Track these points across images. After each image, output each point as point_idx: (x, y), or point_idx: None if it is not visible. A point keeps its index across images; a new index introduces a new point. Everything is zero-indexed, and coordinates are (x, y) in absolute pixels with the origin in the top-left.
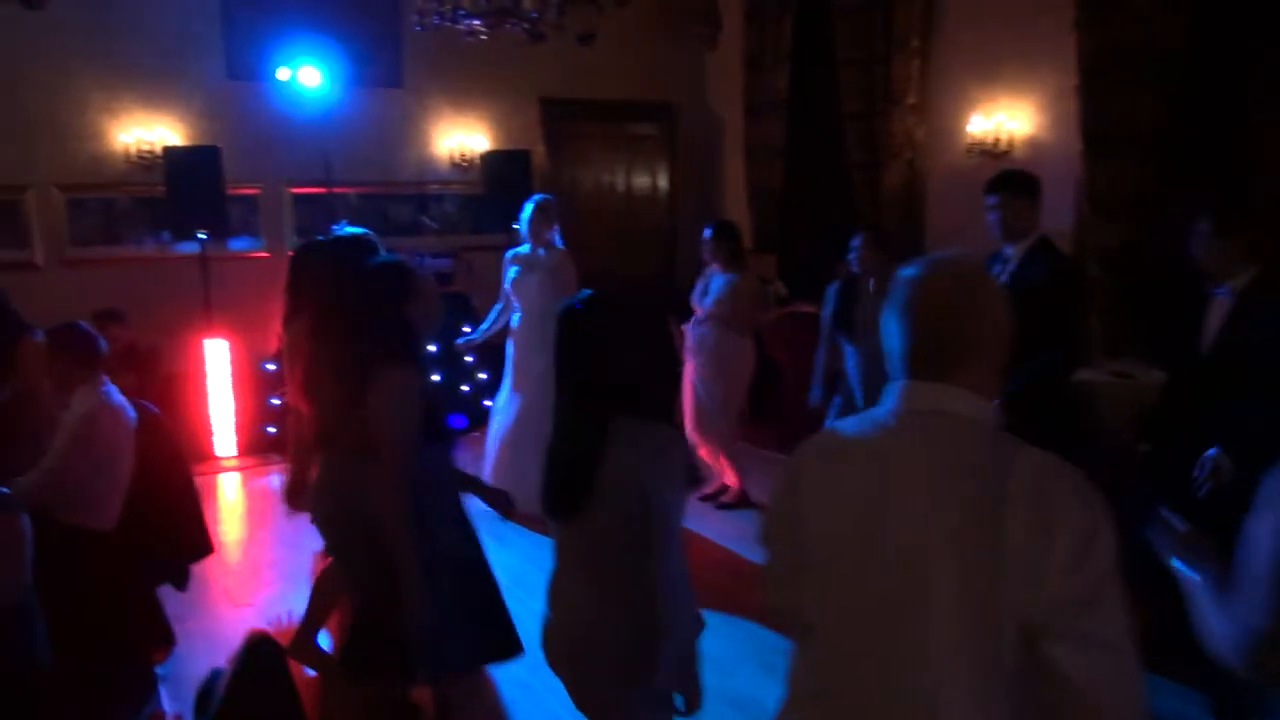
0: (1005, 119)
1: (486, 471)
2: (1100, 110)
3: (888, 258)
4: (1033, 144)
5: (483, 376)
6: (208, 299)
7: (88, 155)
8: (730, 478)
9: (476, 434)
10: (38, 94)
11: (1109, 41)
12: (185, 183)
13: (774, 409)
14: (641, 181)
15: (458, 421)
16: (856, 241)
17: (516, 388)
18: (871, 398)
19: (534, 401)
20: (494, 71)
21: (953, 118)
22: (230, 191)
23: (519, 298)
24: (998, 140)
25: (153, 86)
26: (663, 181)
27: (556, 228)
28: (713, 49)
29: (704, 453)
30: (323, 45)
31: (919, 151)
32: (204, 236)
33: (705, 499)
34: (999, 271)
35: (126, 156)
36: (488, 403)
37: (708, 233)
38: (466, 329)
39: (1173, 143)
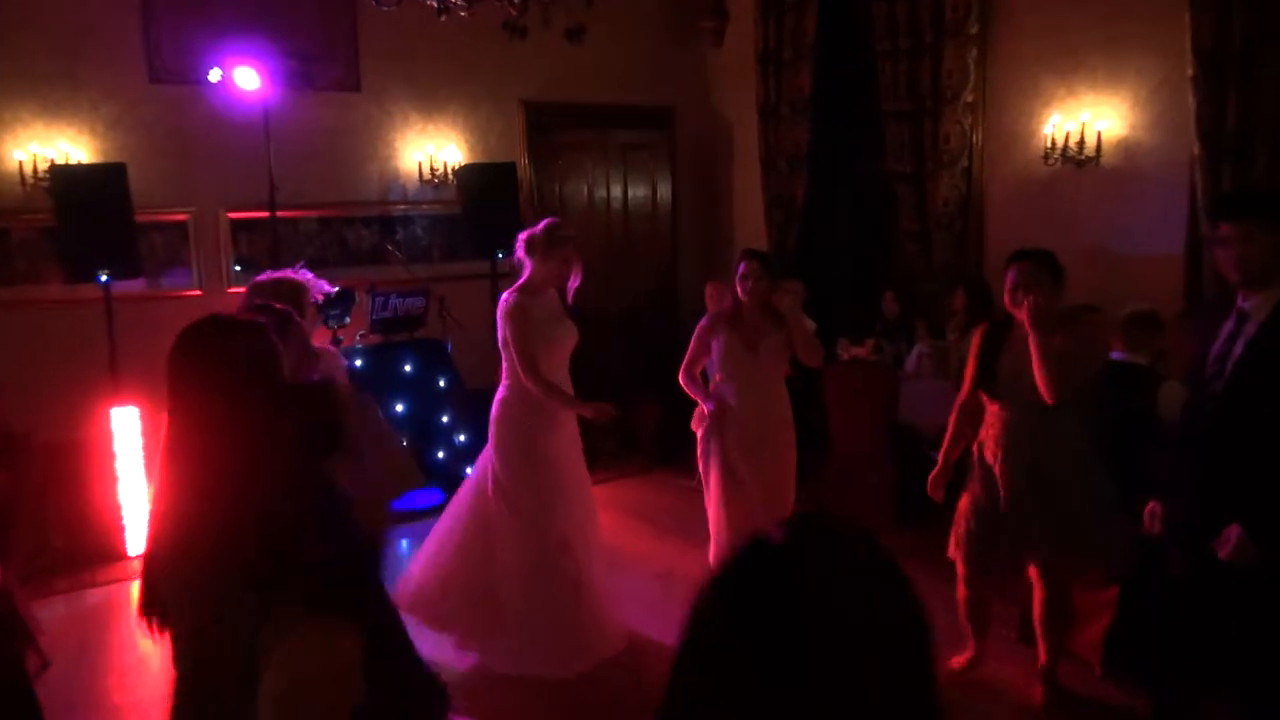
0: (1090, 117)
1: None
2: (1224, 105)
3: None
4: (1126, 148)
5: (461, 439)
6: (113, 354)
7: None
8: None
9: None
10: None
11: (1236, 19)
12: (81, 210)
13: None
14: (639, 195)
15: (429, 496)
16: (1026, 263)
17: None
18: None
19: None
20: (469, 72)
21: (1021, 117)
22: (151, 218)
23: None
24: (1082, 143)
25: (55, 93)
26: (663, 194)
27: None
28: (719, 44)
29: None
30: (264, 41)
31: (978, 158)
32: (104, 278)
33: None
34: (1231, 334)
35: (22, 177)
36: (469, 471)
37: (743, 266)
38: (442, 383)
39: None
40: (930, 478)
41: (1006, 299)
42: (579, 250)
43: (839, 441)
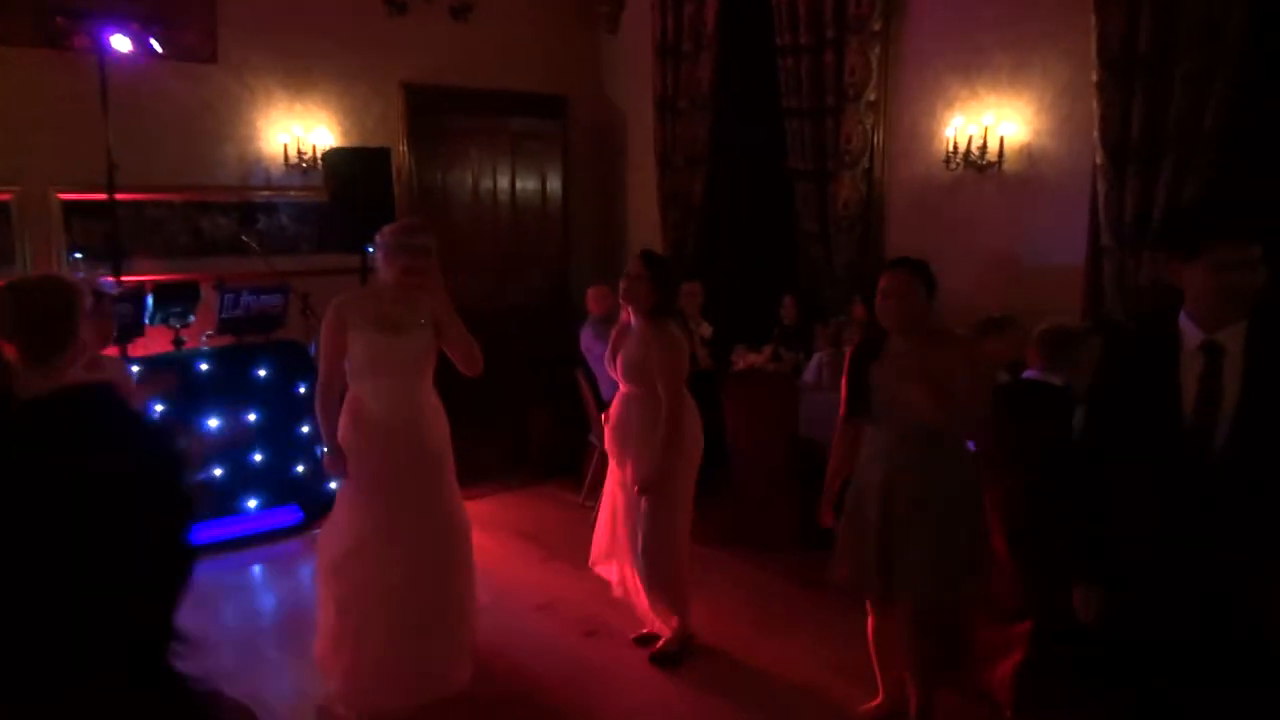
0: (993, 120)
1: None
2: (1129, 112)
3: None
4: (1029, 154)
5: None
6: None
7: None
8: (669, 620)
9: (317, 531)
10: None
11: (1144, 22)
12: None
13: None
14: (529, 187)
15: (286, 515)
16: (898, 272)
17: None
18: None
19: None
20: (344, 48)
21: (923, 119)
22: None
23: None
24: (984, 147)
25: None
26: (554, 187)
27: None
28: (614, 31)
29: (640, 593)
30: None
31: (879, 159)
32: None
33: (639, 641)
34: (1208, 372)
35: None
36: (332, 485)
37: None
38: (303, 389)
39: (1232, 149)
40: (822, 502)
41: (876, 309)
42: (428, 264)
43: (737, 455)
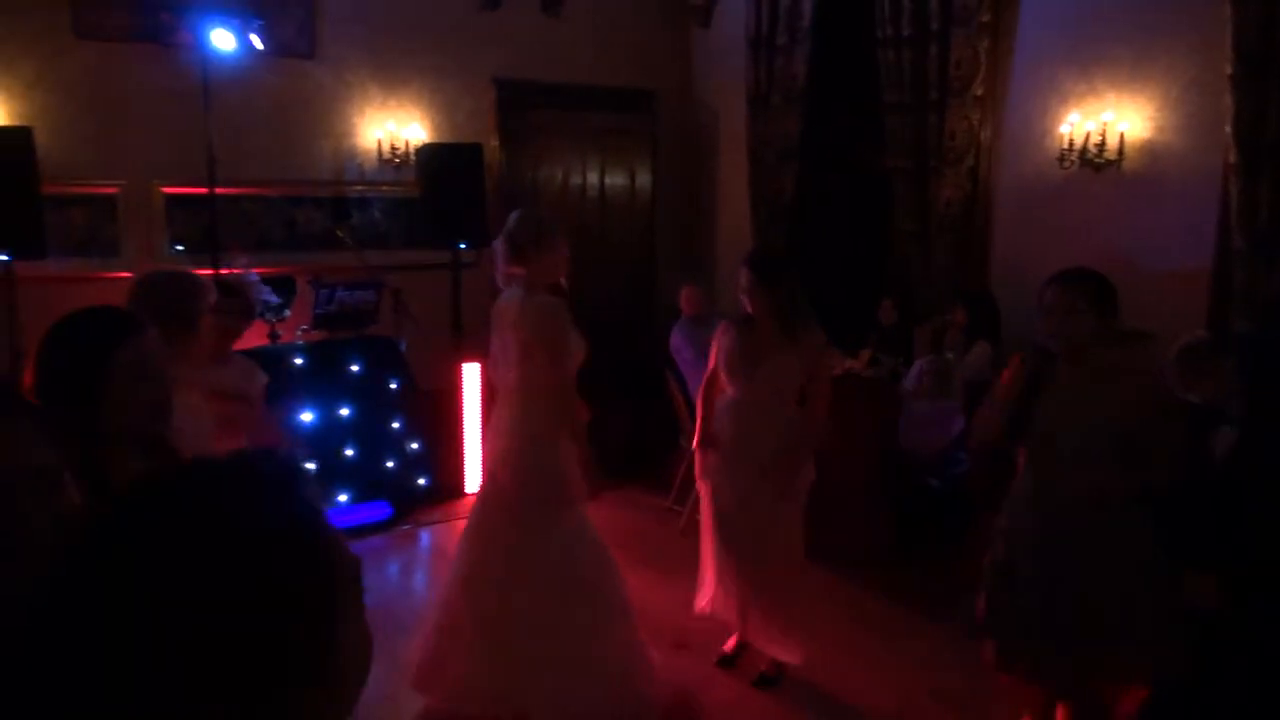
0: (1113, 117)
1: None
2: (1265, 107)
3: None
4: (1151, 151)
5: (414, 447)
6: (13, 341)
7: None
8: (788, 647)
9: (407, 526)
10: None
11: None
12: None
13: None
14: (617, 183)
15: (376, 510)
16: (1056, 286)
17: None
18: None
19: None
20: (437, 44)
21: (1035, 114)
22: (73, 190)
23: None
24: (1103, 144)
25: None
26: (642, 184)
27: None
28: (706, 25)
29: (751, 611)
30: None
31: (985, 157)
32: (4, 258)
33: (723, 663)
34: None
35: None
36: (421, 481)
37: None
38: (393, 385)
39: None
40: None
41: (1038, 327)
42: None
43: (826, 468)
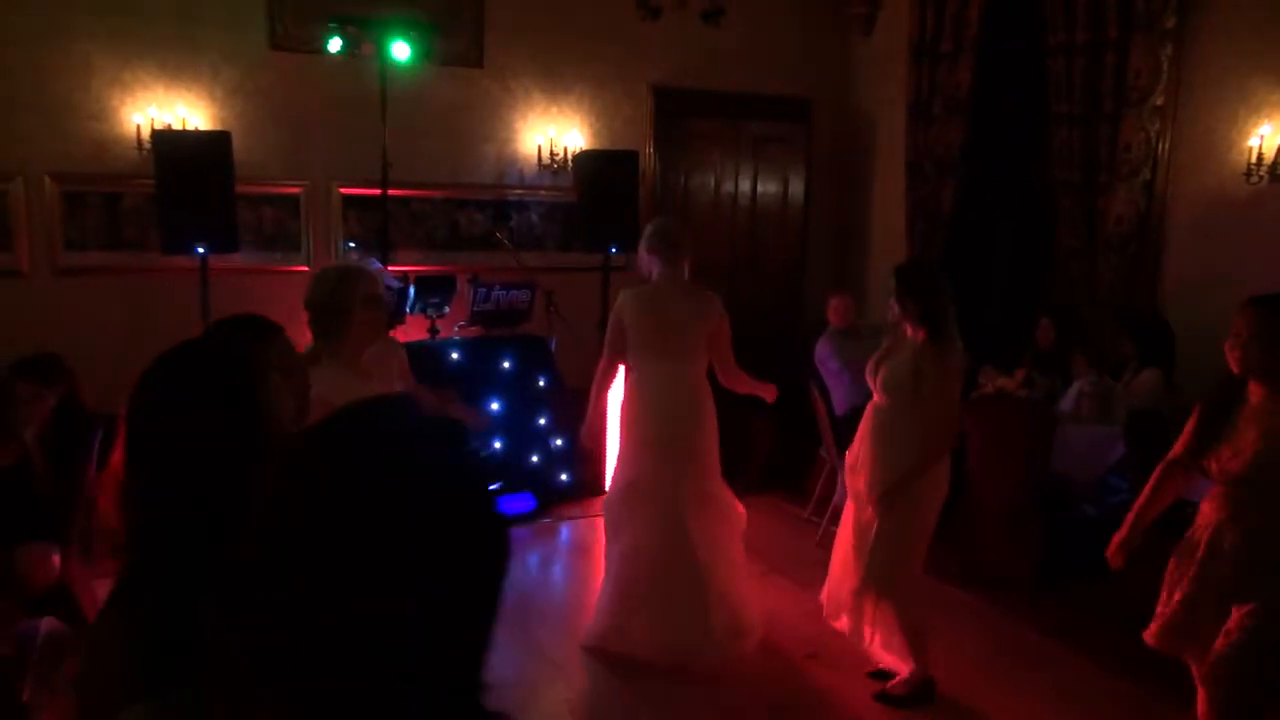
0: None
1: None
2: None
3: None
4: None
5: (558, 443)
6: (206, 326)
7: (91, 138)
8: (906, 659)
9: (548, 520)
10: (27, 58)
11: None
12: (181, 178)
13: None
14: (770, 191)
15: (521, 502)
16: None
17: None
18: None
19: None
20: (598, 52)
21: (1220, 126)
22: (263, 189)
23: None
24: None
25: (175, 56)
26: (795, 192)
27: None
28: (868, 33)
29: (859, 618)
30: (386, 11)
31: (1162, 171)
32: (201, 250)
33: (875, 676)
34: None
35: (139, 142)
36: (564, 477)
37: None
38: (542, 383)
39: None
40: (1116, 541)
41: (1229, 353)
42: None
43: (975, 488)
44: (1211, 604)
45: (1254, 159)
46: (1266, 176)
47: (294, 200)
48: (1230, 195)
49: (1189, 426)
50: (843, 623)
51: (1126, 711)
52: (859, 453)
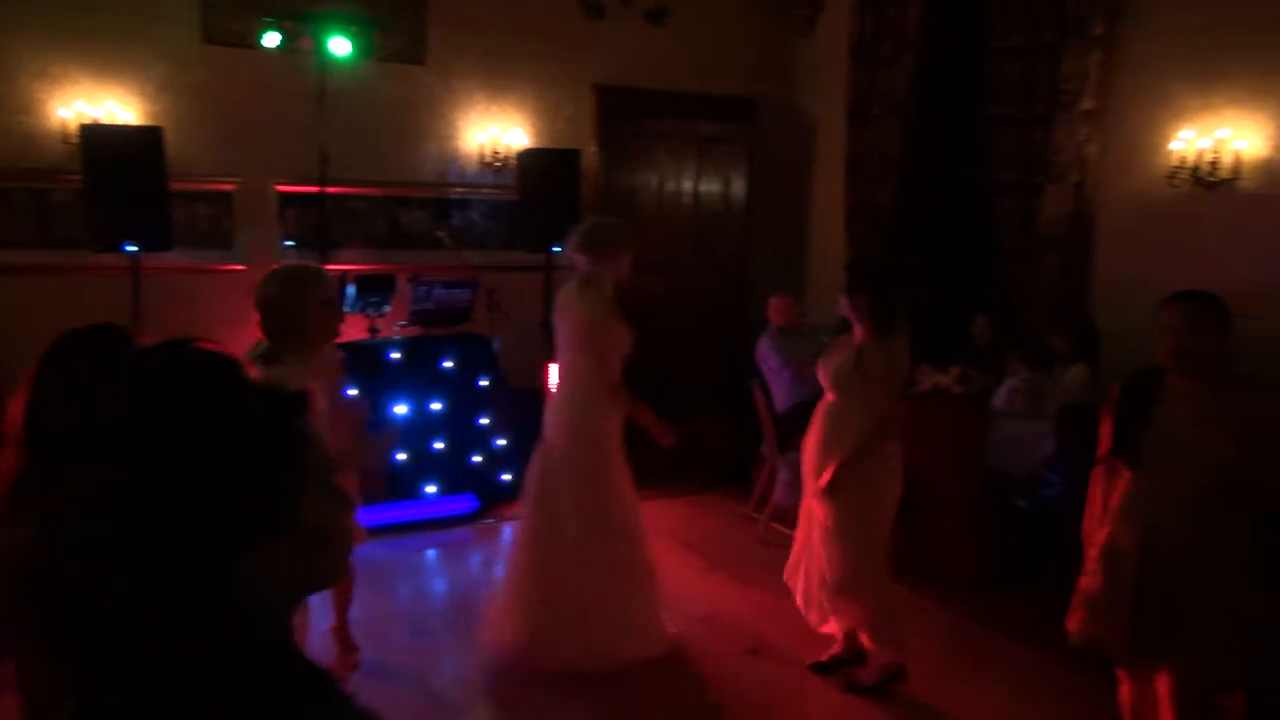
0: (1230, 134)
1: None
2: None
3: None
4: (1270, 171)
5: (500, 443)
6: (134, 330)
7: (18, 133)
8: (878, 651)
9: (490, 520)
10: None
11: None
12: (111, 175)
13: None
14: (712, 190)
15: (463, 502)
16: (1180, 304)
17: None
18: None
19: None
20: (541, 51)
21: (1146, 130)
22: (197, 186)
23: None
24: (1217, 163)
25: (105, 49)
26: (737, 192)
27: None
28: (809, 34)
29: (833, 618)
30: (325, 5)
31: (1091, 173)
32: (133, 248)
33: (821, 669)
34: None
35: (65, 136)
36: (506, 477)
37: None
38: (484, 382)
39: None
40: (1085, 563)
41: (1156, 345)
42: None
43: (915, 483)
44: (1136, 598)
45: (1177, 163)
46: (1189, 180)
47: (229, 197)
48: (1155, 197)
49: (1107, 423)
50: (796, 582)
51: (1082, 704)
52: (811, 449)
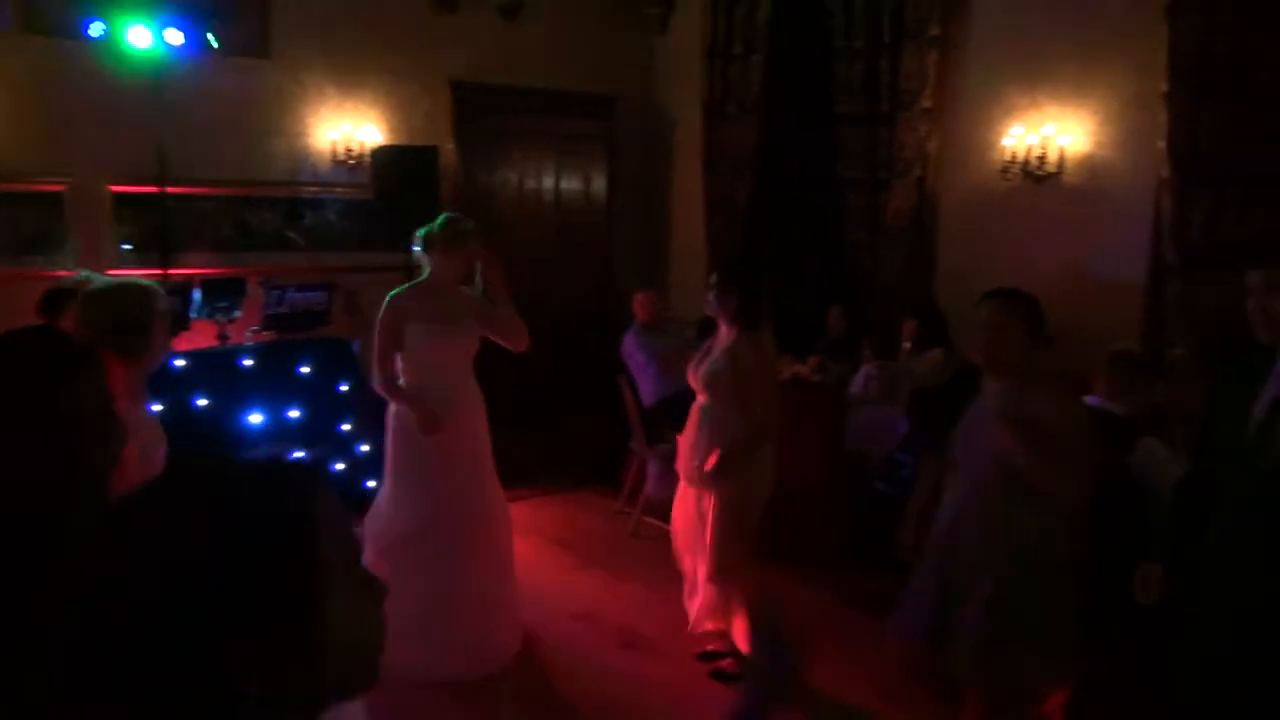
0: (1054, 131)
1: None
2: (1197, 126)
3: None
4: (1090, 166)
5: (363, 449)
6: None
7: None
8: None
9: (355, 528)
10: None
11: (1219, 33)
12: None
13: None
14: (573, 188)
15: None
16: (989, 304)
17: None
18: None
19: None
20: (393, 45)
21: (980, 127)
22: (20, 187)
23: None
24: (1044, 158)
25: None
26: (597, 189)
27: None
28: (662, 32)
29: (706, 598)
30: None
31: (932, 168)
32: None
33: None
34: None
35: None
36: (371, 484)
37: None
38: (344, 387)
39: None
40: (900, 537)
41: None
42: (482, 244)
43: (779, 469)
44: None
45: (1009, 158)
46: (1019, 174)
47: (57, 199)
48: (990, 190)
49: (914, 420)
50: (687, 566)
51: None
52: (689, 451)
